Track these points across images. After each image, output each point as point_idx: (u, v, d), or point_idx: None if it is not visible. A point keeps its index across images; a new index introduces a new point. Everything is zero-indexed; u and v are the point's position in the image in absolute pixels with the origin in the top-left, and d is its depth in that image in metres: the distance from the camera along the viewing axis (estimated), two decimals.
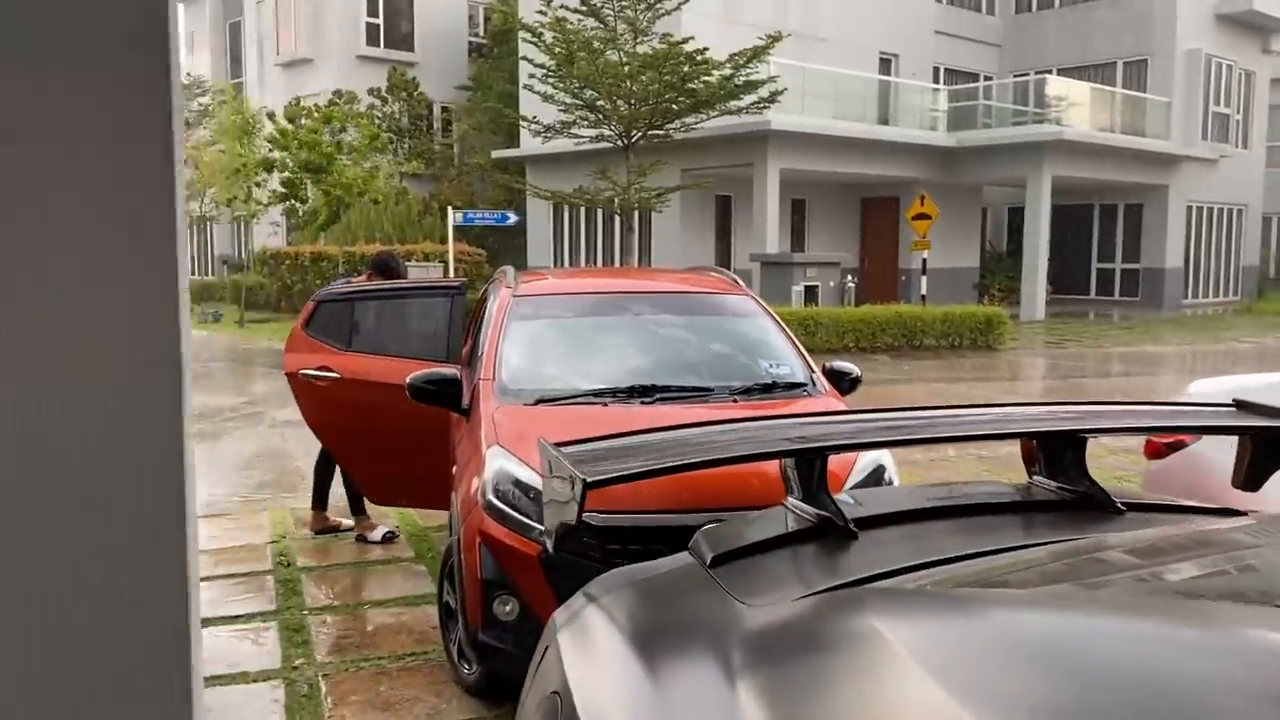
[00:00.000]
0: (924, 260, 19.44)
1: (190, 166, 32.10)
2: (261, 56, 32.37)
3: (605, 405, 4.48)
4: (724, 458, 2.16)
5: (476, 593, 3.90)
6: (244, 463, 9.42)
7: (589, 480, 1.83)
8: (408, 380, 4.74)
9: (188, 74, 34.97)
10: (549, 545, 2.83)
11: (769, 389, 4.79)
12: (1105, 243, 28.06)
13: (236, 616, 5.25)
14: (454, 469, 4.70)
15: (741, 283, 5.73)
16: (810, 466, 2.08)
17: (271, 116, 24.64)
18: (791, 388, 4.84)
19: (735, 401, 4.61)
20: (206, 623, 5.14)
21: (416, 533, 6.80)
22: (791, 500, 2.10)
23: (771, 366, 4.98)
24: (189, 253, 36.43)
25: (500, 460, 4.05)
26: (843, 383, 5.07)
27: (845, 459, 4.17)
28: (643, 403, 4.52)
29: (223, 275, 31.64)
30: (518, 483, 3.96)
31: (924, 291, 19.36)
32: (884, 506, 2.31)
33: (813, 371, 4.99)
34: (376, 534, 6.52)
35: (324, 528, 6.67)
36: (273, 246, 26.31)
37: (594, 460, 2.00)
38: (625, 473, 1.99)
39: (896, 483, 4.27)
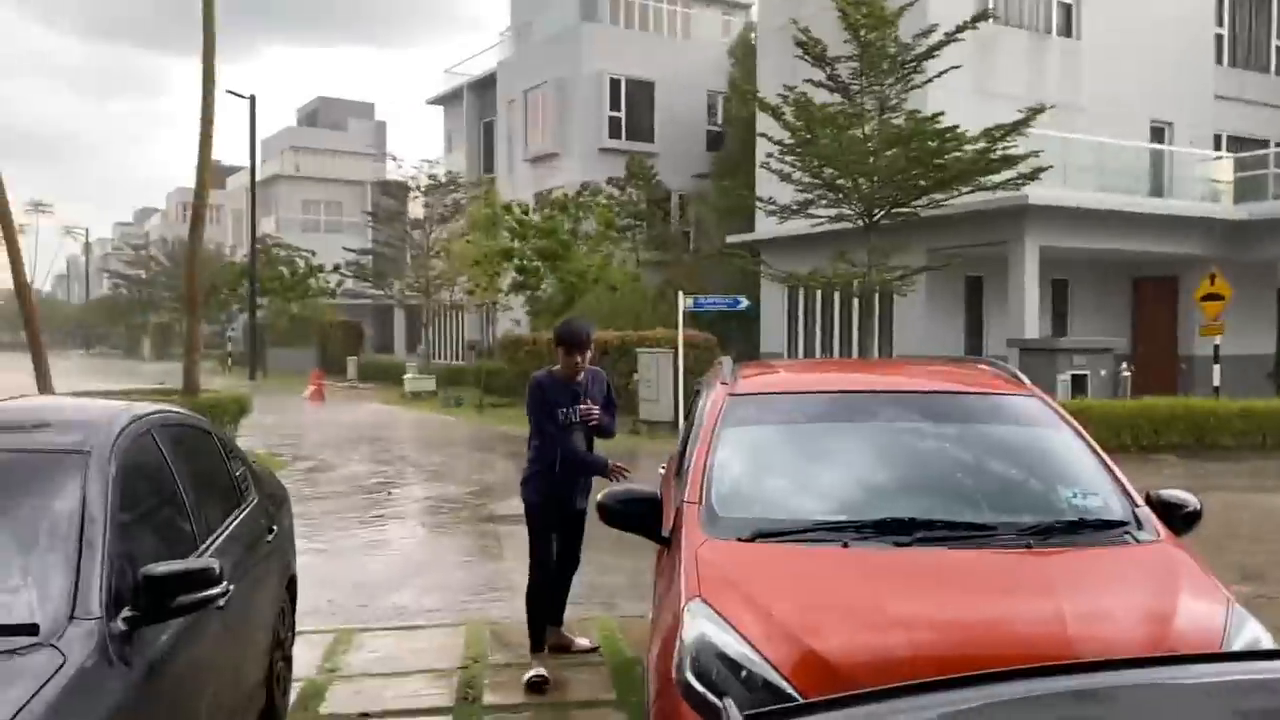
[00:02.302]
0: (1216, 347, 17.01)
1: (441, 258, 33.54)
2: (511, 153, 33.61)
3: (845, 546, 3.36)
4: None
5: None
6: (461, 562, 8.82)
7: None
8: (598, 500, 3.83)
9: (447, 171, 36.73)
10: None
11: (1074, 529, 3.52)
12: None
13: None
14: (650, 614, 3.68)
15: (1027, 380, 4.46)
16: None
17: (508, 209, 25.12)
18: (1106, 527, 3.55)
19: (1030, 547, 3.37)
20: None
21: (621, 664, 5.83)
22: None
23: (1076, 496, 3.70)
24: (443, 339, 38.13)
25: (703, 624, 3.02)
26: (1175, 519, 3.72)
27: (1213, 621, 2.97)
28: (897, 544, 3.37)
29: (470, 361, 32.56)
30: (724, 658, 2.92)
31: (1217, 382, 16.89)
32: None
33: (1135, 504, 3.68)
34: (580, 643, 6.02)
35: (559, 644, 5.94)
36: (514, 333, 26.67)
37: None
38: None
39: None
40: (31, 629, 2.57)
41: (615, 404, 5.94)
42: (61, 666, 2.45)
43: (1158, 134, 23.48)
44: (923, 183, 16.99)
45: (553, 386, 5.62)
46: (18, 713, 2.25)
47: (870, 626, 2.99)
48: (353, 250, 40.39)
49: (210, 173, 15.60)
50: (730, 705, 1.74)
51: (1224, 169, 23.18)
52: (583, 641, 6.01)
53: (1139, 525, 3.58)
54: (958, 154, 16.58)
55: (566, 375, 5.63)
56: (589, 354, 5.63)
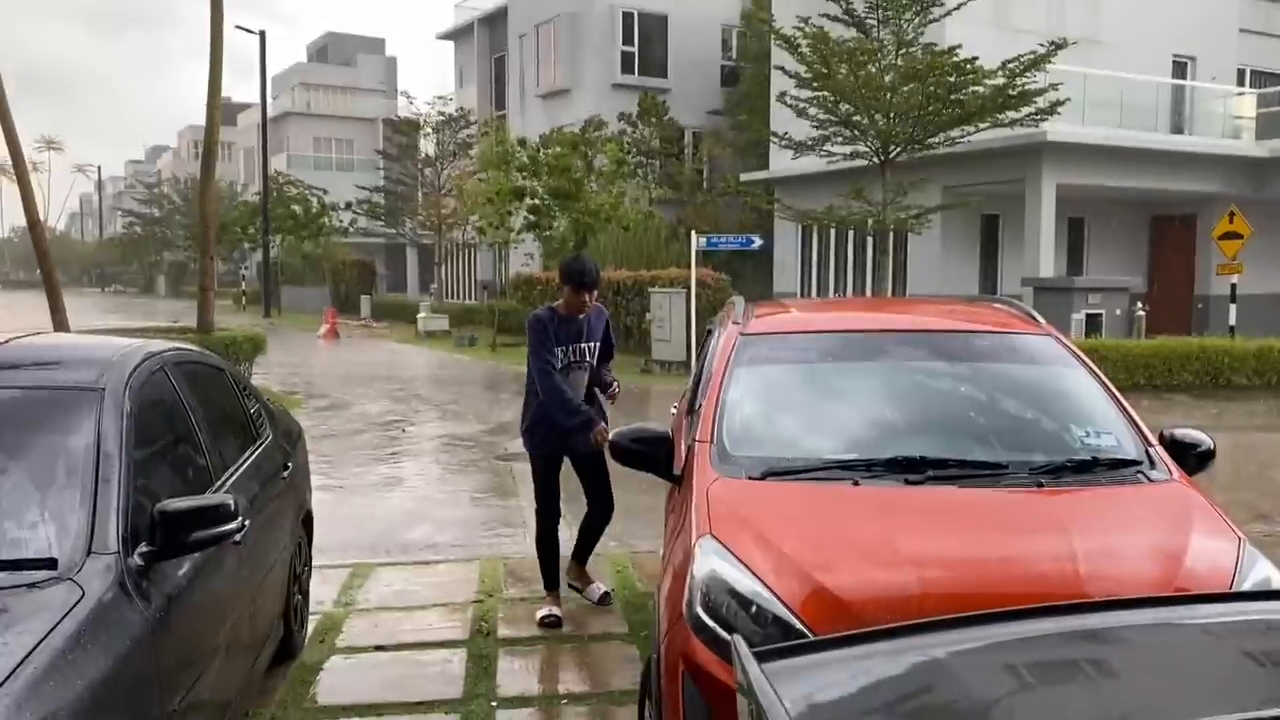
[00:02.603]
0: (1233, 286, 16.85)
1: (454, 195, 33.38)
2: (523, 89, 33.24)
3: (856, 484, 3.37)
4: None
5: None
6: (475, 498, 8.90)
7: None
8: (610, 438, 3.85)
9: (459, 107, 36.39)
10: None
11: (1087, 468, 3.51)
12: None
13: (416, 705, 4.49)
14: (662, 551, 3.71)
15: (1041, 319, 4.43)
16: None
17: (522, 144, 24.90)
18: (1119, 466, 3.54)
19: (1041, 486, 3.37)
20: (375, 710, 4.42)
21: (634, 599, 5.90)
22: None
23: (1088, 435, 3.68)
24: (456, 278, 38.01)
25: (713, 560, 3.04)
26: (1188, 458, 3.71)
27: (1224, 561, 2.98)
28: (908, 481, 3.37)
29: (483, 300, 32.56)
30: (734, 593, 2.94)
31: (1233, 322, 16.76)
32: None
33: (1148, 443, 3.67)
34: (593, 592, 5.80)
35: (576, 580, 5.86)
36: (526, 272, 26.62)
37: None
38: None
39: None
40: (50, 563, 2.61)
41: (614, 343, 5.84)
42: (80, 600, 2.49)
43: (1180, 69, 23.03)
44: (939, 120, 16.75)
45: (556, 323, 5.42)
46: (39, 643, 2.29)
47: (880, 563, 3.00)
48: (365, 188, 40.22)
49: (220, 110, 15.48)
50: (739, 641, 1.75)
51: (1246, 105, 22.76)
52: (597, 588, 5.81)
53: (1151, 464, 3.57)
54: (976, 89, 16.31)
55: (571, 312, 5.45)
56: (595, 293, 5.48)
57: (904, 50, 16.67)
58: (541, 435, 5.51)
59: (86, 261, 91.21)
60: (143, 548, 2.79)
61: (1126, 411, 3.84)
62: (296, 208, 39.46)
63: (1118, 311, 17.26)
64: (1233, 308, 16.94)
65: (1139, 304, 18.61)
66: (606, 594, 5.80)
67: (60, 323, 14.07)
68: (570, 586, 5.79)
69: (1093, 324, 16.76)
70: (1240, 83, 24.18)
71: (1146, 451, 3.63)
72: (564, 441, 5.48)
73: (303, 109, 56.10)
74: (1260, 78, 24.81)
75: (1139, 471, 3.53)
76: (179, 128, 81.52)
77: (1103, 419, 3.78)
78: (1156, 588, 2.87)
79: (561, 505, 5.69)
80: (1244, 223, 16.51)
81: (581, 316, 5.46)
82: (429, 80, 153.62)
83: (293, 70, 58.81)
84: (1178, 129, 21.35)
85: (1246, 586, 2.96)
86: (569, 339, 5.43)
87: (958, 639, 1.85)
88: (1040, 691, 1.76)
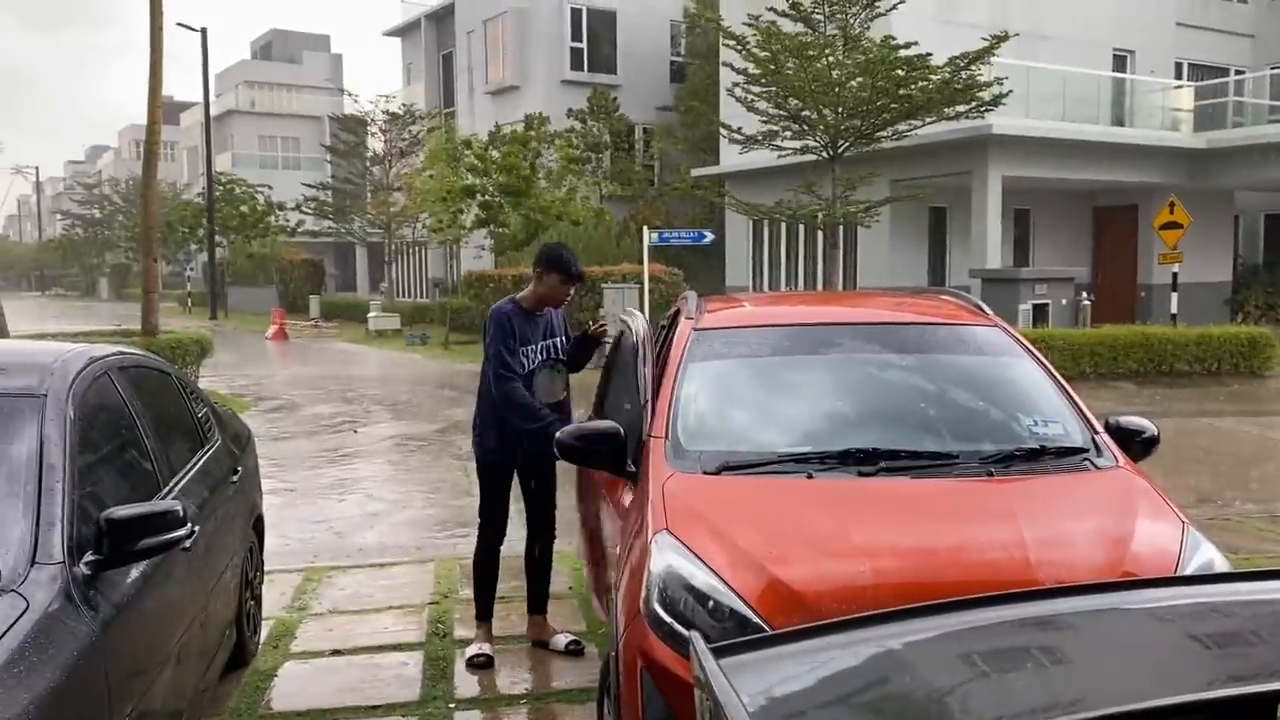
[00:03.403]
0: (1174, 275, 17.21)
1: (403, 193, 33.07)
2: (471, 86, 33.02)
3: (810, 477, 3.39)
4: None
5: None
6: (428, 499, 8.84)
7: None
8: (557, 436, 3.83)
9: (401, 104, 36.07)
10: None
11: (1035, 456, 3.57)
12: None
13: (373, 709, 4.45)
14: (615, 549, 3.71)
15: (989, 310, 4.49)
16: None
17: (468, 144, 24.75)
18: (1067, 454, 3.60)
19: (991, 475, 3.43)
20: (331, 715, 4.37)
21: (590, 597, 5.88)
22: None
23: (1037, 424, 3.74)
24: (406, 276, 37.69)
25: (670, 555, 3.05)
26: (1133, 445, 3.78)
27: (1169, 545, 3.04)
28: (861, 473, 3.40)
29: (434, 298, 32.32)
30: (691, 589, 2.95)
31: (1174, 310, 17.12)
32: None
33: (1094, 431, 3.73)
34: (559, 641, 5.07)
35: (538, 637, 5.18)
36: (478, 270, 26.47)
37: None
38: None
39: None
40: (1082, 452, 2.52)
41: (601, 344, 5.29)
42: (25, 611, 2.43)
43: (1120, 62, 23.46)
44: (887, 114, 16.92)
45: (520, 320, 4.90)
46: None
47: (835, 555, 3.03)
48: (311, 185, 39.69)
49: (162, 108, 15.21)
50: (696, 637, 1.76)
51: (1184, 97, 23.26)
52: (563, 637, 5.07)
53: (1098, 452, 3.63)
54: (923, 83, 16.50)
55: (545, 305, 4.98)
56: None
57: (850, 45, 16.81)
58: (494, 442, 4.95)
59: (26, 264, 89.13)
60: (89, 557, 2.73)
61: (1073, 400, 3.91)
62: (244, 208, 38.88)
63: (1063, 301, 17.54)
64: (1174, 296, 17.30)
65: (1084, 294, 18.93)
66: (575, 640, 5.06)
67: None
68: (536, 645, 5.12)
69: (1039, 314, 17.02)
70: (1178, 76, 24.68)
71: (1093, 439, 3.70)
72: (518, 450, 4.91)
73: (247, 107, 55.27)
74: (1198, 70, 25.36)
75: (1086, 459, 3.59)
76: (120, 127, 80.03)
77: (1050, 408, 3.84)
78: (1104, 573, 2.93)
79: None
80: (1184, 213, 16.86)
81: (543, 312, 5.00)
82: (376, 77, 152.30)
83: (236, 68, 57.91)
84: (1119, 121, 21.76)
85: (1190, 570, 3.03)
86: (536, 337, 4.93)
87: (912, 629, 1.87)
88: (993, 678, 1.79)
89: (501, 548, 5.10)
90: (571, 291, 5.01)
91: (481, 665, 4.85)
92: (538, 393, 4.83)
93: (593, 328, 5.12)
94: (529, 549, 5.19)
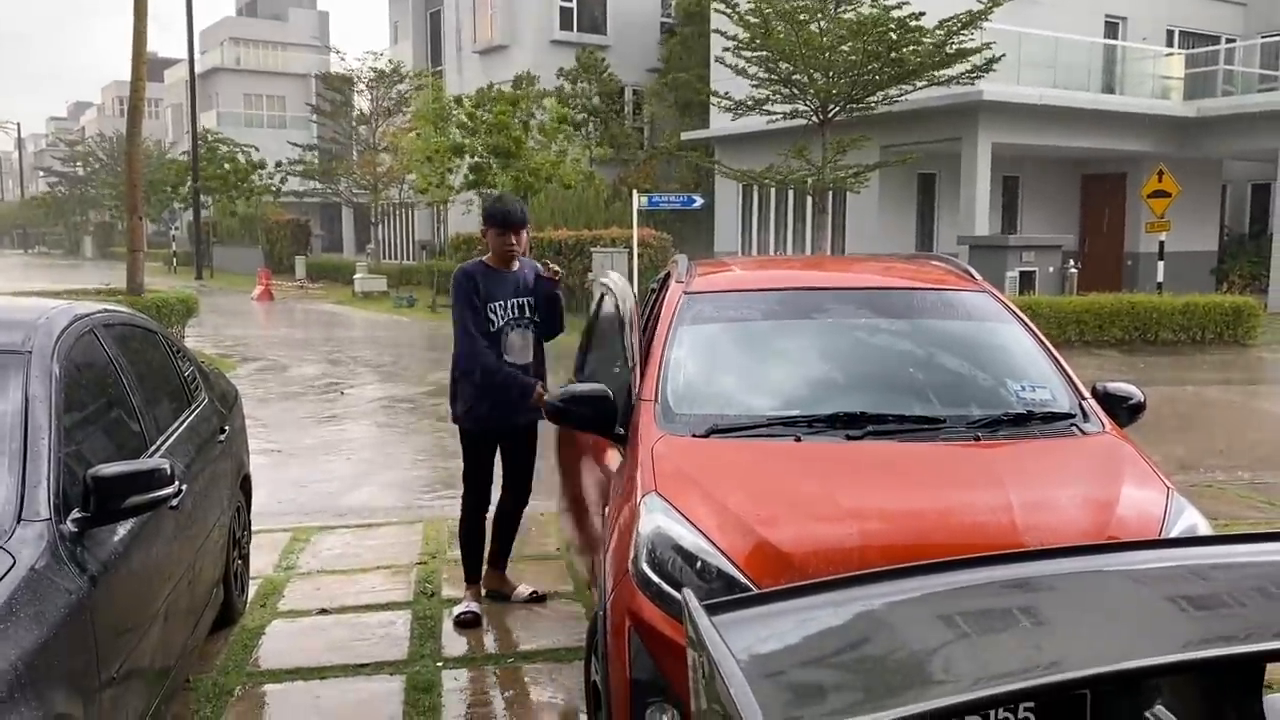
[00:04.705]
0: (1161, 244, 17.24)
1: (390, 153, 32.79)
2: (459, 45, 32.65)
3: (798, 440, 3.40)
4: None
5: (625, 696, 2.93)
6: (415, 460, 8.85)
7: None
8: (546, 400, 3.83)
9: (389, 61, 35.68)
10: None
11: (1023, 421, 3.59)
12: None
13: (360, 667, 4.47)
14: (604, 509, 3.72)
15: (978, 275, 4.49)
16: None
17: (459, 102, 24.54)
18: (1054, 419, 3.62)
19: (978, 439, 3.44)
20: (319, 673, 4.40)
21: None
22: None
23: (1024, 389, 3.75)
24: (393, 237, 37.37)
25: (659, 517, 3.06)
26: (1119, 411, 3.80)
27: (1153, 509, 3.05)
28: (849, 437, 3.42)
29: (421, 260, 32.15)
30: (679, 549, 2.96)
31: (1160, 279, 17.17)
32: None
33: (1081, 396, 3.75)
34: (520, 593, 5.20)
35: (497, 588, 5.23)
36: (466, 231, 26.31)
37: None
38: None
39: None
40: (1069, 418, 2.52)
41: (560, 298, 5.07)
42: (11, 568, 2.43)
43: (1111, 29, 23.36)
44: (878, 78, 16.83)
45: (486, 277, 4.79)
46: None
47: (822, 517, 3.05)
48: (298, 145, 39.32)
49: (146, 65, 15.00)
50: (689, 594, 1.77)
51: (1175, 65, 23.19)
52: (523, 590, 5.20)
53: (1085, 417, 3.66)
54: (915, 46, 16.41)
55: (501, 262, 4.86)
56: (524, 236, 4.83)
57: (842, 6, 16.69)
58: (469, 406, 4.89)
59: (8, 222, 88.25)
60: (76, 514, 2.73)
61: (1060, 366, 3.92)
62: (227, 165, 38.50)
63: (1050, 269, 17.58)
64: (1160, 265, 17.34)
65: (1071, 261, 18.97)
66: (535, 591, 5.21)
67: None
68: (490, 596, 5.16)
69: (1026, 281, 17.05)
70: (1169, 43, 24.58)
71: (1080, 405, 3.72)
72: (503, 416, 4.87)
73: (232, 65, 54.61)
74: (1189, 38, 25.25)
75: (1072, 424, 3.62)
76: (103, 83, 79.03)
77: (1037, 373, 3.86)
78: (1089, 536, 2.95)
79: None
80: (1172, 181, 16.87)
81: (515, 269, 4.88)
82: (364, 36, 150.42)
83: (222, 24, 57.14)
84: (1109, 89, 21.69)
85: (1174, 534, 3.06)
86: (505, 293, 4.81)
87: (899, 589, 1.88)
88: (976, 638, 1.80)
89: (487, 514, 5.10)
90: (515, 239, 4.79)
91: (468, 623, 4.89)
92: (508, 352, 4.80)
93: (543, 270, 4.94)
94: (500, 505, 5.17)
